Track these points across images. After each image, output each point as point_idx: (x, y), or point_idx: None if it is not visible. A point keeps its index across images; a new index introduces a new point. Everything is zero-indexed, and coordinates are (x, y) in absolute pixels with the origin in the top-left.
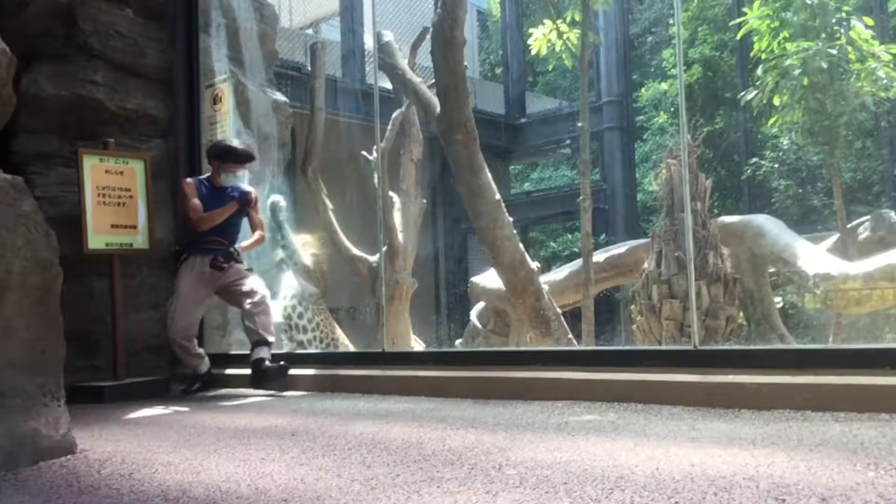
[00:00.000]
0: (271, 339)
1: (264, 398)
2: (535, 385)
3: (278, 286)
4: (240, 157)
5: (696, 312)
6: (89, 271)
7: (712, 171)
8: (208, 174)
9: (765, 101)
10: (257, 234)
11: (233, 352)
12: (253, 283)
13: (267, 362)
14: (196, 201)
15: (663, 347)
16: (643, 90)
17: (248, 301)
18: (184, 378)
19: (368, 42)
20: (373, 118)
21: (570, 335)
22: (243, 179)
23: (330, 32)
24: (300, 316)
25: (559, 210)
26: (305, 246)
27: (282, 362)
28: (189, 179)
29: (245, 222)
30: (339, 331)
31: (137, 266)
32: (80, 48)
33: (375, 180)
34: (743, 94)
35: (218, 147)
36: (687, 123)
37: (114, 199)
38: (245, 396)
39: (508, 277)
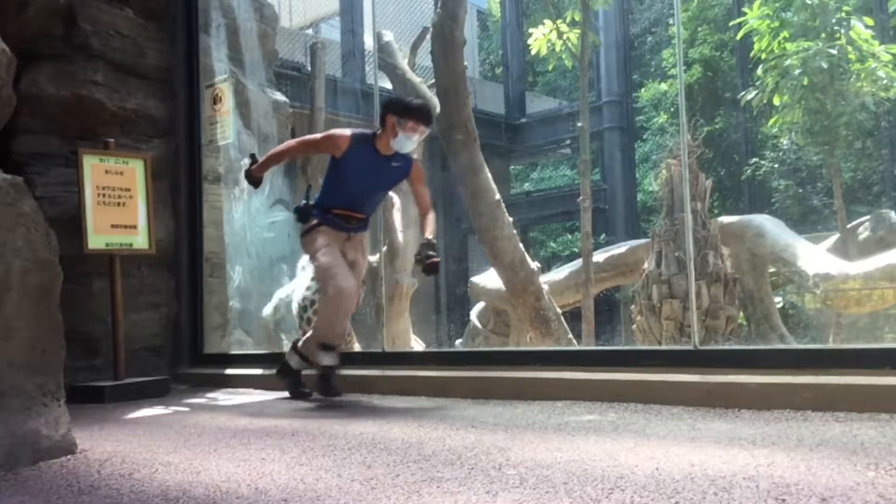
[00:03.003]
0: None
1: (264, 398)
2: (535, 385)
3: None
4: (426, 116)
5: (696, 312)
6: (89, 271)
7: (712, 171)
8: (376, 131)
9: (765, 101)
10: (431, 216)
11: (233, 352)
12: (361, 275)
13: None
14: (294, 144)
15: (663, 347)
16: (643, 90)
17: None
18: (289, 373)
19: (368, 42)
20: (373, 118)
21: (570, 335)
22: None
23: (330, 32)
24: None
25: (559, 210)
26: None
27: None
28: (346, 133)
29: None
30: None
31: (137, 266)
32: (80, 48)
33: None
34: (743, 94)
35: (394, 100)
36: (687, 123)
37: (114, 199)
38: (245, 396)
39: (508, 277)
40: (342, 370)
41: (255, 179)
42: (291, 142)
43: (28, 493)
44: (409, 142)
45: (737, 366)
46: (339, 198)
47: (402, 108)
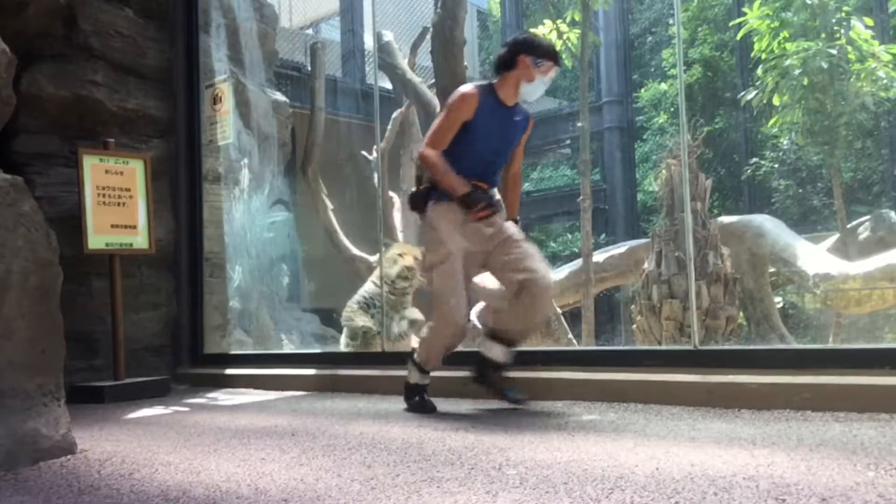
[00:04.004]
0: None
1: (264, 398)
2: (535, 385)
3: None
4: (559, 56)
5: (696, 312)
6: (89, 271)
7: (712, 171)
8: (492, 81)
9: (765, 101)
10: (519, 188)
11: (233, 352)
12: (534, 253)
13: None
14: (433, 154)
15: (663, 347)
16: (643, 90)
17: (526, 282)
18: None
19: (368, 42)
20: (373, 118)
21: (570, 335)
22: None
23: (330, 32)
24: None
25: (559, 210)
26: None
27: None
28: (472, 89)
29: None
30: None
31: (137, 266)
32: (80, 48)
33: (375, 180)
34: (743, 94)
35: (528, 38)
36: (687, 123)
37: (114, 199)
38: (245, 396)
39: None
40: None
41: (471, 195)
42: (428, 152)
43: (28, 493)
44: (543, 87)
45: (737, 366)
46: (466, 167)
47: (539, 48)
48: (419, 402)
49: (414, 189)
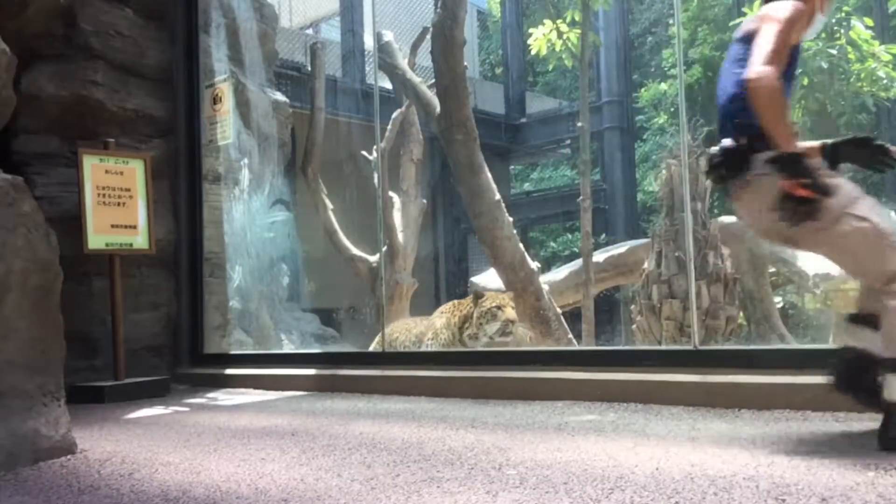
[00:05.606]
0: None
1: (264, 398)
2: (535, 385)
3: None
4: None
5: (696, 312)
6: (89, 271)
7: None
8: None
9: None
10: None
11: (233, 352)
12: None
13: None
14: (781, 43)
15: (663, 347)
16: (643, 90)
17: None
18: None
19: (368, 42)
20: (373, 118)
21: (570, 335)
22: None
23: (330, 32)
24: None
25: (559, 210)
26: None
27: None
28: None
29: None
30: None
31: (137, 266)
32: (80, 48)
33: (375, 180)
34: None
35: None
36: (687, 123)
37: (114, 199)
38: (245, 396)
39: (508, 277)
40: None
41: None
42: (769, 73)
43: (28, 493)
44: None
45: (737, 366)
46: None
47: None
48: None
49: (729, 143)
